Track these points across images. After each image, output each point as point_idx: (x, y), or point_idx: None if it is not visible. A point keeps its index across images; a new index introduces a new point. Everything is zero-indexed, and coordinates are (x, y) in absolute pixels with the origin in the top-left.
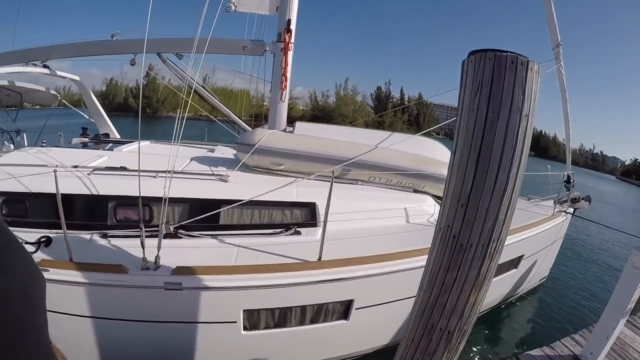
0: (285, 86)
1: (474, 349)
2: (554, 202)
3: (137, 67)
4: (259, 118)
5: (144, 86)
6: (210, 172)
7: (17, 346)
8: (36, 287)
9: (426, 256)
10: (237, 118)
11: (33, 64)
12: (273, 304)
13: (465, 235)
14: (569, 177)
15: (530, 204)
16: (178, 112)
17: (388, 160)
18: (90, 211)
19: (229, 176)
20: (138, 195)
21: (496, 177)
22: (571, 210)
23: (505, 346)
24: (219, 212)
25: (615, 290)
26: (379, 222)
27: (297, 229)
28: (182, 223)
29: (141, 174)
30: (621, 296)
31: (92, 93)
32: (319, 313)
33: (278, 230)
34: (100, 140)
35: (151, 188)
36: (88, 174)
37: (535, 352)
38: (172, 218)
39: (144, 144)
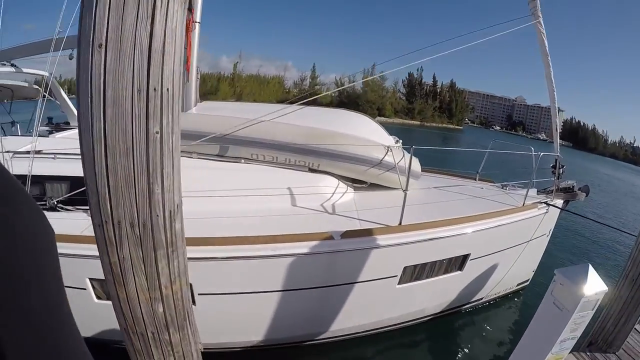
0: (190, 67)
1: None
2: (537, 191)
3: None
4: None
5: None
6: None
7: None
8: (50, 237)
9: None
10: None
11: (2, 64)
12: None
13: None
14: (556, 161)
15: (502, 191)
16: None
17: (268, 136)
18: None
19: None
20: (28, 174)
21: None
22: (558, 202)
23: None
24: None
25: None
26: (251, 204)
27: None
28: (59, 198)
29: (40, 155)
30: (539, 335)
31: (60, 88)
32: None
33: None
34: (59, 129)
35: (49, 168)
36: (11, 157)
37: None
38: (60, 193)
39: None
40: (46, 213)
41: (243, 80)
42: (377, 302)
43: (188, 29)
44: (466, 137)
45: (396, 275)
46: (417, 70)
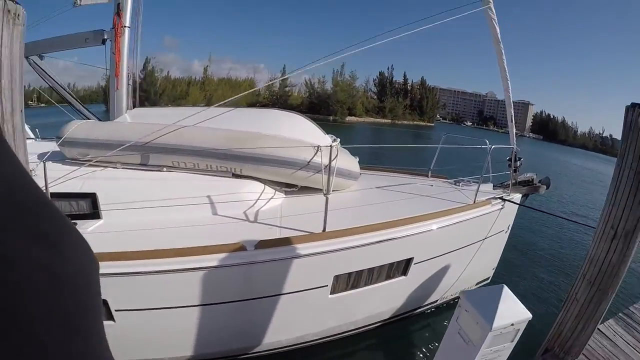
0: (119, 73)
1: None
2: (494, 186)
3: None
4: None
5: (141, 80)
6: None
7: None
8: (96, 273)
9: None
10: (83, 108)
11: None
12: None
13: None
14: (512, 154)
15: (454, 188)
16: None
17: (188, 142)
18: None
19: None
20: None
21: None
22: (516, 196)
23: None
24: None
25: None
26: (168, 214)
27: (74, 221)
28: None
29: None
30: None
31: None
32: None
33: None
34: None
35: None
36: None
37: None
38: None
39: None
40: None
41: (214, 83)
42: (310, 313)
43: (117, 34)
44: (437, 134)
45: (326, 285)
46: (388, 69)
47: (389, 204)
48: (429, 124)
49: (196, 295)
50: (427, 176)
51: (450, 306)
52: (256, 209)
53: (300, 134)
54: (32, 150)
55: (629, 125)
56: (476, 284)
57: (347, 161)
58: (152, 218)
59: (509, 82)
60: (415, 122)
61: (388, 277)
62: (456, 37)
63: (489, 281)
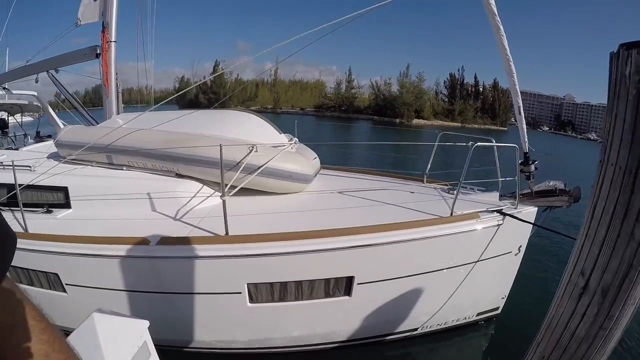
0: (108, 82)
1: None
2: (501, 196)
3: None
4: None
5: (211, 82)
6: (20, 163)
7: None
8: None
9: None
10: (85, 113)
11: (2, 87)
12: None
13: None
14: (525, 156)
15: (441, 196)
16: None
17: (136, 143)
18: None
19: (30, 166)
20: None
21: None
22: (528, 210)
23: None
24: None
25: None
26: (122, 208)
27: (50, 209)
28: None
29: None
30: None
31: (48, 105)
32: None
33: (36, 209)
34: (40, 140)
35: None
36: None
37: None
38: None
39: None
40: None
41: (285, 85)
42: (230, 318)
43: (103, 48)
44: (509, 139)
45: (240, 292)
46: (458, 70)
47: (341, 210)
48: (501, 128)
49: (115, 280)
50: (422, 181)
51: (438, 337)
52: (188, 207)
53: (247, 134)
54: (46, 150)
55: (614, 84)
56: (478, 315)
57: (292, 162)
58: (106, 211)
59: (511, 63)
60: (486, 126)
61: (328, 295)
62: (529, 38)
63: (498, 312)
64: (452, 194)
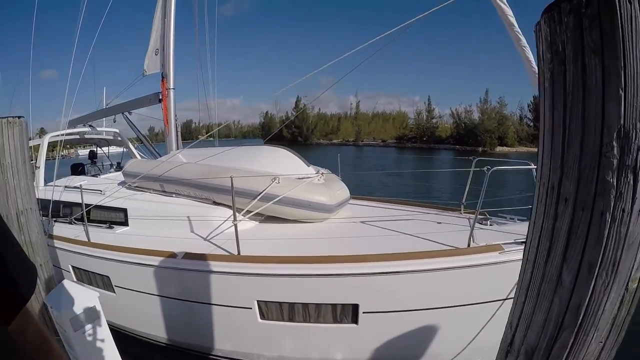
0: (168, 123)
1: None
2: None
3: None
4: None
5: (295, 117)
6: (95, 187)
7: None
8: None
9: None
10: (152, 148)
11: (89, 125)
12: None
13: None
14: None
15: (477, 227)
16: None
17: (181, 175)
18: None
19: (101, 190)
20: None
21: None
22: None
23: None
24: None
25: None
26: (167, 228)
27: (112, 225)
28: (74, 216)
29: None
30: None
31: (129, 141)
32: None
33: (101, 225)
34: (118, 170)
35: (73, 198)
36: (68, 189)
37: None
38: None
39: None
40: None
41: (368, 118)
42: (242, 332)
43: (163, 95)
44: None
45: (250, 308)
46: None
47: (358, 239)
48: None
49: (150, 285)
50: (459, 212)
51: None
52: (218, 230)
53: (273, 166)
54: (118, 178)
55: (542, 51)
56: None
57: (313, 193)
58: (155, 229)
59: (528, 52)
60: None
61: (335, 321)
62: None
63: None
64: (486, 224)
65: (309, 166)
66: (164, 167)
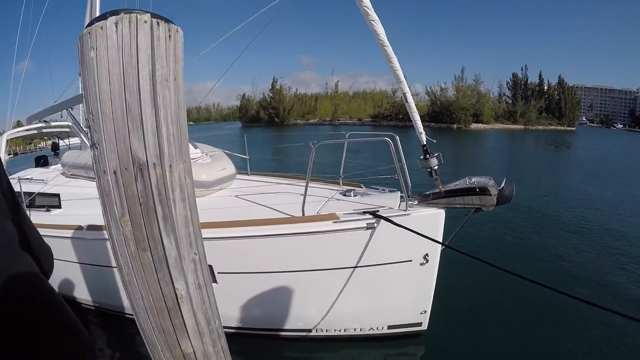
0: None
1: None
2: (403, 196)
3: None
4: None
5: (271, 98)
6: (42, 177)
7: None
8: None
9: None
10: (85, 139)
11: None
12: None
13: None
14: (423, 149)
15: (338, 198)
16: None
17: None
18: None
19: (44, 180)
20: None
21: None
22: (426, 211)
23: None
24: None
25: None
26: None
27: (49, 209)
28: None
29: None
30: None
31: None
32: None
33: (40, 208)
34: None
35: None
36: (22, 180)
37: None
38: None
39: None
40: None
41: (348, 97)
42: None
43: None
44: (579, 140)
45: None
46: (522, 69)
47: (223, 210)
48: (569, 128)
49: (67, 254)
50: (339, 184)
51: (342, 344)
52: None
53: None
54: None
55: None
56: (390, 328)
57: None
58: (83, 210)
59: (387, 48)
60: (552, 127)
61: None
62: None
63: (422, 328)
64: (349, 195)
65: (196, 148)
66: (86, 156)
